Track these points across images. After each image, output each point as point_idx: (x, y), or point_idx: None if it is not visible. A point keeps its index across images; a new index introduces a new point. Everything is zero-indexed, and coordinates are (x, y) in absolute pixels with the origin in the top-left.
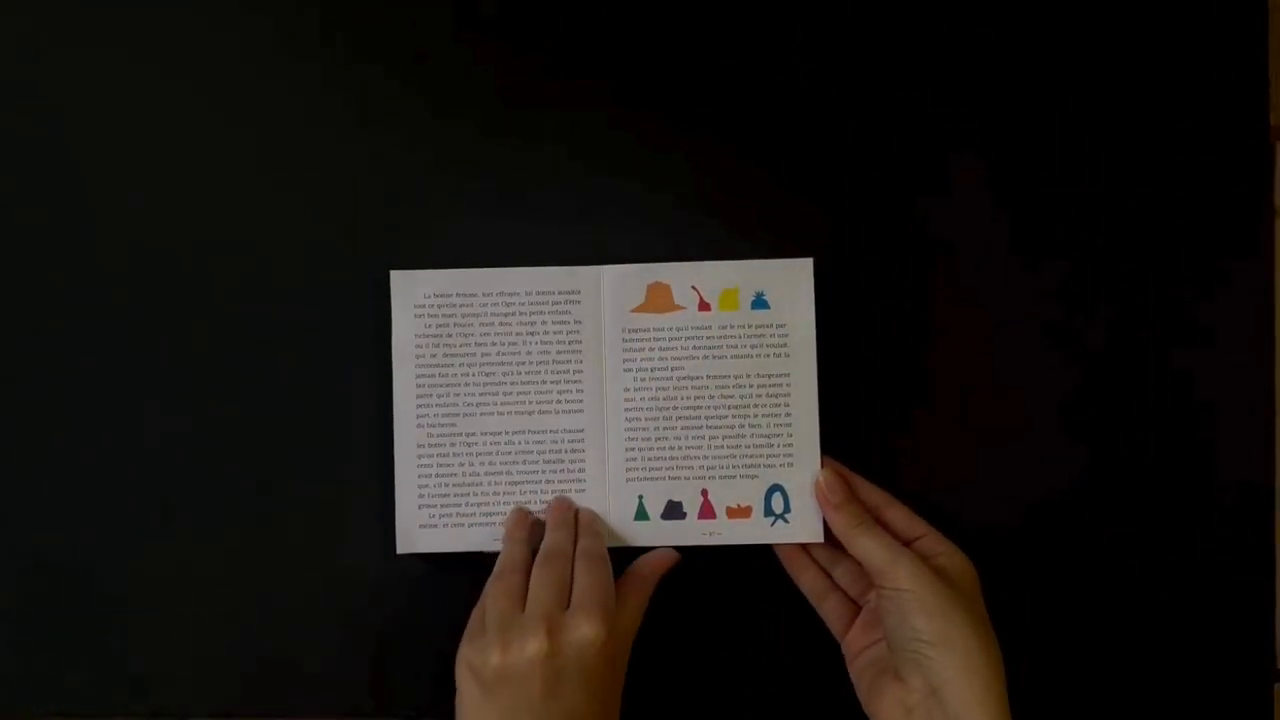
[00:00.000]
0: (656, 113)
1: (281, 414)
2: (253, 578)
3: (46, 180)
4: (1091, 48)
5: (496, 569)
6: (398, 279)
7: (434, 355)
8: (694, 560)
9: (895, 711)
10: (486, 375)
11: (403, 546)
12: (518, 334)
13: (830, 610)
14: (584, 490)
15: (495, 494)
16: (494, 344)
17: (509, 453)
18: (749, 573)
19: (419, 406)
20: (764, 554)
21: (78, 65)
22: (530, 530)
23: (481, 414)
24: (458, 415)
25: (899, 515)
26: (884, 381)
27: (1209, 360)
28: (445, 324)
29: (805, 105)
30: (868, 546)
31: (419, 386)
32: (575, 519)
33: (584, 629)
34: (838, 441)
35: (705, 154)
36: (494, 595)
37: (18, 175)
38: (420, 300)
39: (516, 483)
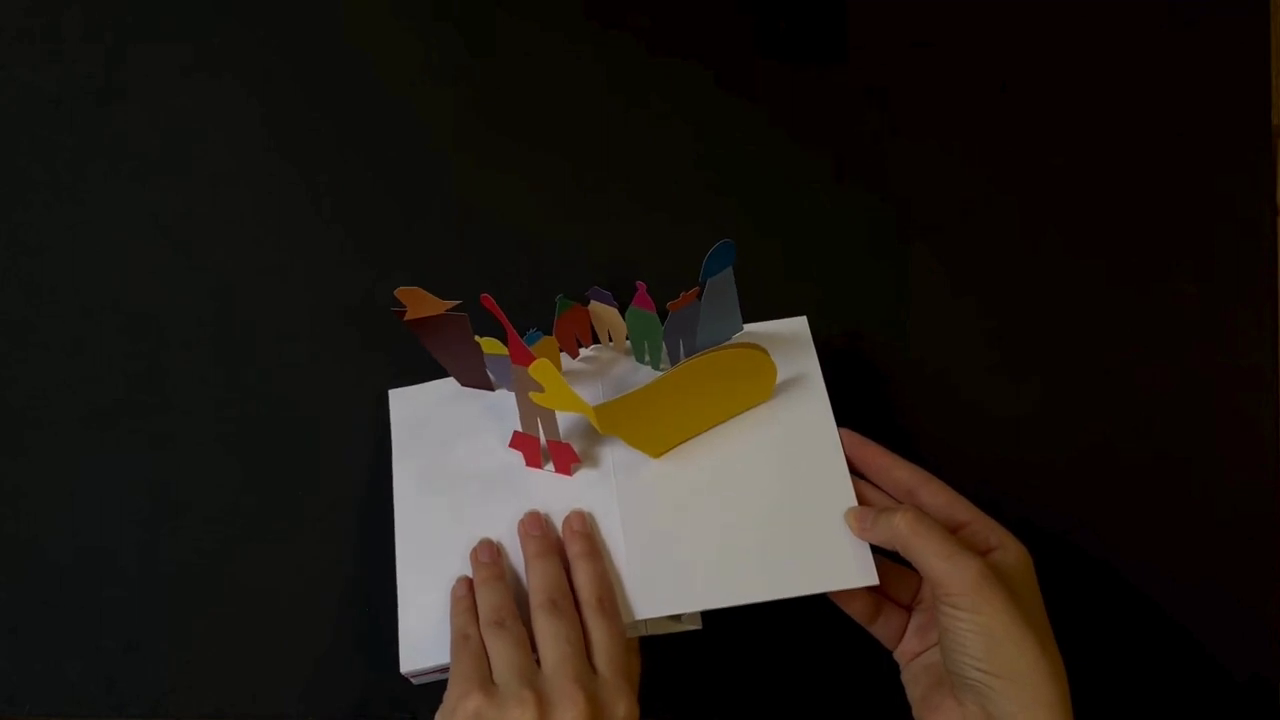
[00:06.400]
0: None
1: (280, 415)
2: (251, 579)
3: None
4: (1093, 48)
5: (486, 616)
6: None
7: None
8: None
9: None
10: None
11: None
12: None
13: (881, 628)
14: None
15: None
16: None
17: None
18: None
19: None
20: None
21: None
22: (502, 564)
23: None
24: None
25: (938, 495)
26: (883, 377)
27: (1212, 359)
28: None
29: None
30: (923, 553)
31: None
32: (558, 540)
33: (620, 710)
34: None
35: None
36: (503, 644)
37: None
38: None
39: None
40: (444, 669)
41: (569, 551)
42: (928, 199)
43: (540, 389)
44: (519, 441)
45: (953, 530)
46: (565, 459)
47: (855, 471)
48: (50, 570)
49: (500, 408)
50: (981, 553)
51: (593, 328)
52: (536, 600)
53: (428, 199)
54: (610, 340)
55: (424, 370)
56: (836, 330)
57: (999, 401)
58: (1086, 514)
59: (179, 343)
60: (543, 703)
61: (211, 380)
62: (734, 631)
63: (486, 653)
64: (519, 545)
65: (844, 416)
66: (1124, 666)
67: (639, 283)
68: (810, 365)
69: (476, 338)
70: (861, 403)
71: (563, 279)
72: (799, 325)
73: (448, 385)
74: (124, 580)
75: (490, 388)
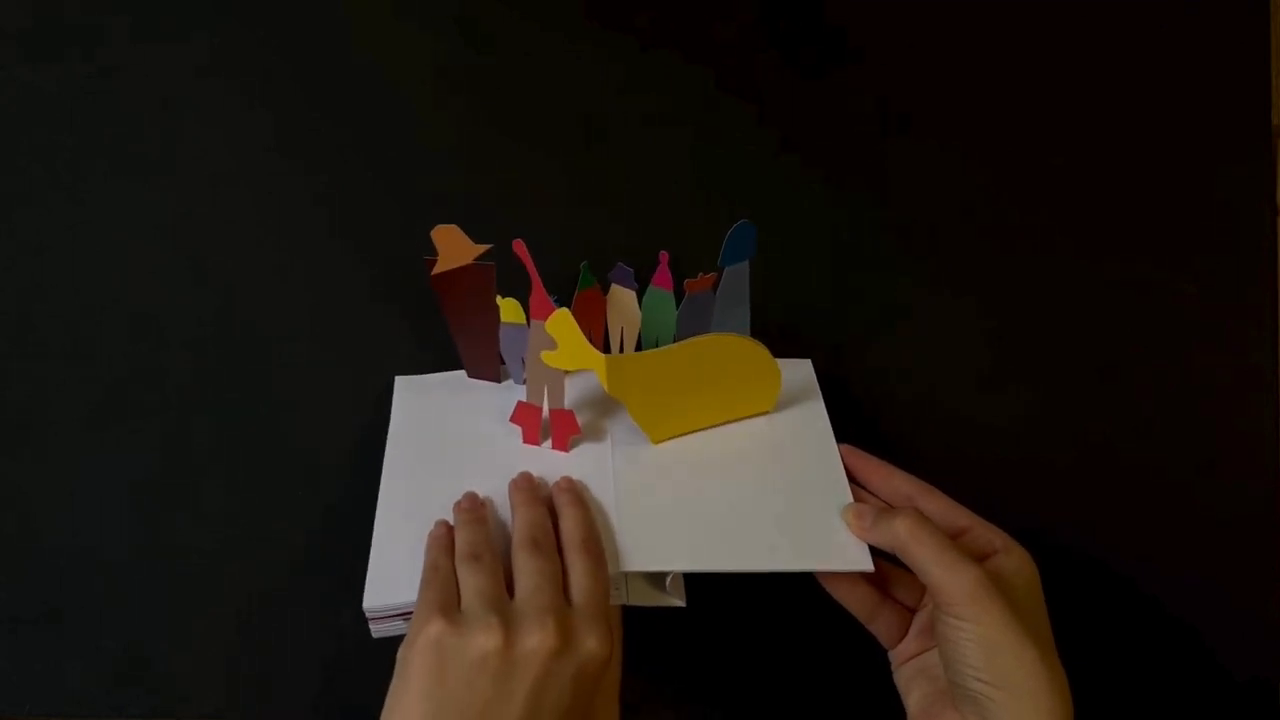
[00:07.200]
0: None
1: (280, 415)
2: (252, 580)
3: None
4: (1093, 48)
5: (462, 549)
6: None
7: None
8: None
9: None
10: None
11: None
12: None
13: (880, 626)
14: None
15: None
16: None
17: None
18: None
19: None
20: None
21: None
22: (486, 511)
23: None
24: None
25: (937, 505)
26: (883, 377)
27: (1212, 359)
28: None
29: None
30: (922, 559)
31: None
32: (549, 496)
33: (591, 642)
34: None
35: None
36: (475, 575)
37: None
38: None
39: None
40: (410, 615)
41: (556, 502)
42: (927, 199)
43: (554, 347)
44: (521, 414)
45: (954, 537)
46: (565, 429)
47: (855, 482)
48: (50, 570)
49: (503, 401)
50: (984, 557)
51: (606, 324)
52: (518, 539)
53: (428, 199)
54: (621, 348)
55: (425, 371)
56: (836, 330)
57: (999, 402)
58: (1086, 515)
59: (179, 343)
60: (509, 630)
61: (211, 380)
62: (730, 628)
63: (458, 586)
64: (508, 509)
65: (843, 416)
66: (1124, 667)
67: (662, 253)
68: (811, 393)
69: (498, 299)
70: (861, 403)
71: (562, 279)
72: (803, 366)
73: (454, 377)
74: (124, 580)
75: (497, 378)
